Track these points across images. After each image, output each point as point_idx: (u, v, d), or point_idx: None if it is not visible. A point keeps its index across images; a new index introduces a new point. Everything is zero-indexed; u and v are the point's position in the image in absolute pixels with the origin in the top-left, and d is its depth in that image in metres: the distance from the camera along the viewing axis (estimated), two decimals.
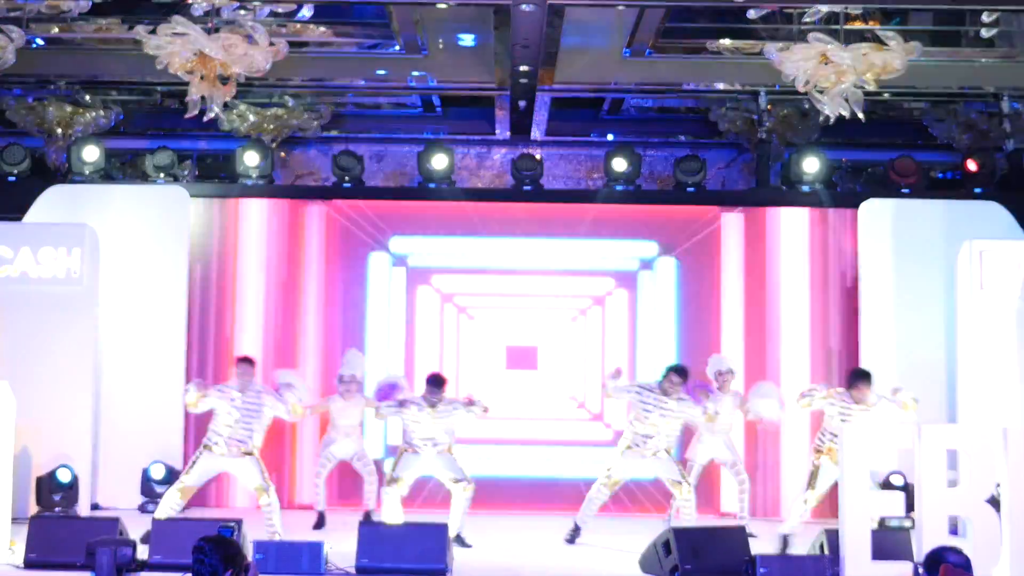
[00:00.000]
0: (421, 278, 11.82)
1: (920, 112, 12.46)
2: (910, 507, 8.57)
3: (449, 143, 12.68)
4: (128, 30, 10.21)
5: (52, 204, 11.46)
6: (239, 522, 8.15)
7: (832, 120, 9.18)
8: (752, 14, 9.84)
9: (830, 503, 9.03)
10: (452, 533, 9.04)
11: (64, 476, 10.28)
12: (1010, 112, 12.11)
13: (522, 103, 11.93)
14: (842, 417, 9.01)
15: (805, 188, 12.06)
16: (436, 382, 9.55)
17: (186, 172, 12.61)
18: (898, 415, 9.08)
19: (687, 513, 9.48)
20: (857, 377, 9.26)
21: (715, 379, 10.37)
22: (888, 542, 7.80)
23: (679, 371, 9.55)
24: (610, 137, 13.40)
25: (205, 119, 9.38)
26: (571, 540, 9.62)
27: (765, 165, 12.57)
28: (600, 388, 9.92)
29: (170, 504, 8.95)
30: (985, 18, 10.07)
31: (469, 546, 9.29)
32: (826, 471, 9.02)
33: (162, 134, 13.03)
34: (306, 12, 10.45)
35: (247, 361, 9.39)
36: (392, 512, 9.28)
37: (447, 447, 9.52)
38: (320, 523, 10.20)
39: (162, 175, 12.17)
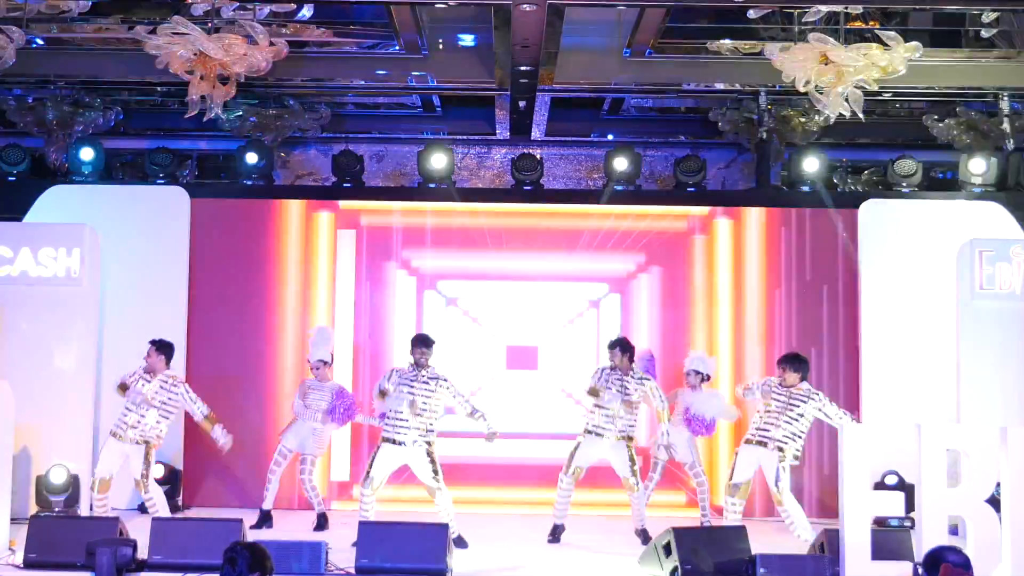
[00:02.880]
0: (428, 284, 11.82)
1: (920, 112, 12.47)
2: (910, 507, 8.58)
3: (449, 143, 12.69)
4: (128, 30, 10.22)
5: (52, 204, 11.47)
6: (239, 522, 8.16)
7: (832, 120, 9.18)
8: (752, 14, 9.85)
9: (832, 503, 9.03)
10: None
11: (63, 476, 10.26)
12: (1010, 112, 12.11)
13: (522, 103, 11.94)
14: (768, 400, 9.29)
15: (805, 188, 12.06)
16: (424, 341, 9.38)
17: (186, 172, 12.61)
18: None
19: (636, 512, 9.51)
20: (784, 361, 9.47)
21: (689, 375, 10.34)
22: (888, 542, 7.80)
23: (618, 344, 9.65)
24: (610, 137, 13.40)
25: (205, 119, 9.39)
26: (554, 539, 9.61)
27: (765, 165, 12.58)
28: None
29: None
30: (985, 18, 10.07)
31: (466, 546, 9.22)
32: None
33: (162, 134, 13.04)
34: (306, 12, 10.46)
35: (166, 345, 9.65)
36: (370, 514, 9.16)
37: (426, 438, 9.18)
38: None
39: (162, 175, 12.17)
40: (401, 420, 9.13)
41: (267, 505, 10.17)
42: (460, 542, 9.13)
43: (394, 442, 9.13)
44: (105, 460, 9.52)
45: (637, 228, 11.76)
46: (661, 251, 11.81)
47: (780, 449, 9.19)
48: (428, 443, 9.16)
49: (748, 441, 9.40)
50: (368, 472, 9.18)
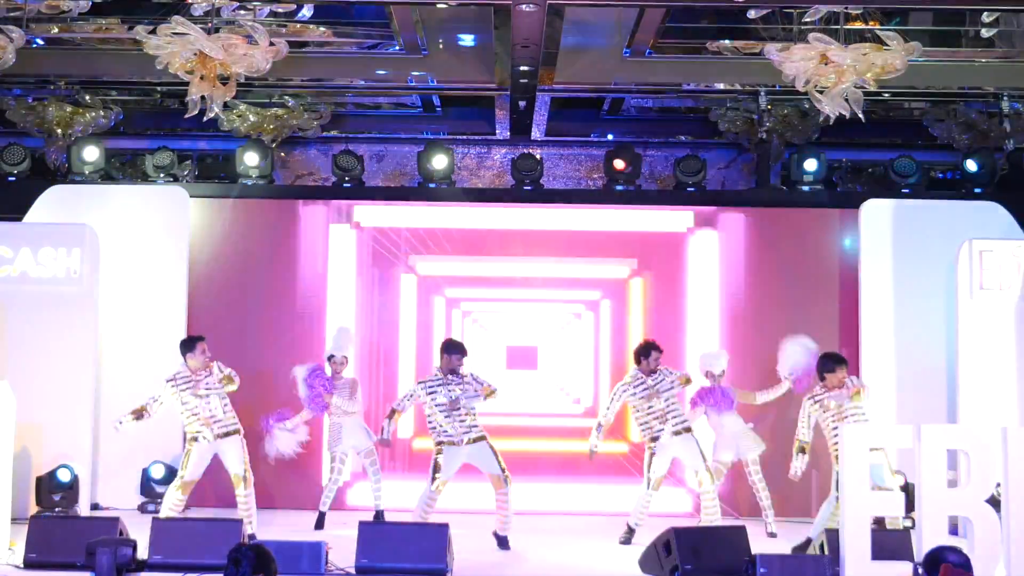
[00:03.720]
0: (435, 289, 11.83)
1: (920, 112, 12.46)
2: (910, 507, 8.57)
3: (449, 143, 12.70)
4: (128, 30, 10.22)
5: (52, 204, 11.47)
6: (239, 522, 8.16)
7: (832, 120, 9.17)
8: (752, 14, 9.85)
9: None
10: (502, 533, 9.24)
11: (64, 476, 10.28)
12: (1010, 112, 12.10)
13: (522, 103, 11.93)
14: (827, 412, 8.97)
15: (805, 188, 12.06)
16: (457, 348, 9.41)
17: (186, 172, 12.61)
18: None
19: (710, 511, 9.50)
20: (830, 362, 9.14)
21: (705, 377, 10.34)
22: (888, 542, 7.80)
23: (654, 347, 9.72)
24: (610, 137, 13.39)
25: (205, 119, 9.39)
26: (627, 541, 9.65)
27: (765, 165, 12.57)
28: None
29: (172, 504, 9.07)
30: (985, 18, 10.07)
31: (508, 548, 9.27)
32: None
33: (162, 134, 13.03)
34: (306, 12, 10.46)
35: (202, 339, 9.51)
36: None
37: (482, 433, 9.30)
38: (320, 523, 10.18)
39: (162, 175, 12.18)
40: (457, 423, 9.21)
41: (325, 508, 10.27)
42: (504, 543, 9.24)
43: (453, 443, 9.21)
44: (196, 464, 9.22)
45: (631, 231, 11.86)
46: (654, 255, 11.83)
47: None
48: (486, 436, 9.30)
49: None
50: (434, 477, 9.22)
